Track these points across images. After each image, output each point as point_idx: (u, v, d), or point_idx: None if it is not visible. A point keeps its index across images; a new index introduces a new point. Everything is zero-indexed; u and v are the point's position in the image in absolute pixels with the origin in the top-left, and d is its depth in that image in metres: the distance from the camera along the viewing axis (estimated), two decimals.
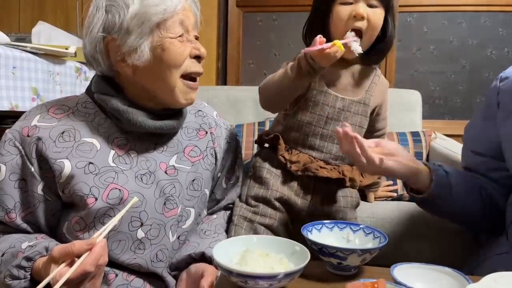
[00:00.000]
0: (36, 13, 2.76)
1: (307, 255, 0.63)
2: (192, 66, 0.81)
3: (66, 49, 1.39)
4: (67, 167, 0.74)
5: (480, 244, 1.00)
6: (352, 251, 0.65)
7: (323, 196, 0.99)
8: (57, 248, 0.63)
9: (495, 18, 2.57)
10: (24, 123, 0.78)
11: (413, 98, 2.20)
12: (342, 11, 0.89)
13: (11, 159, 0.76)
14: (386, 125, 1.07)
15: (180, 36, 0.78)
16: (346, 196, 1.01)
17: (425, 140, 2.03)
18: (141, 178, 0.79)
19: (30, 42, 1.54)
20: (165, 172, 0.83)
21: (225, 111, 2.10)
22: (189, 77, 0.82)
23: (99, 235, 0.64)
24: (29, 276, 0.67)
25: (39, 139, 0.75)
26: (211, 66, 2.62)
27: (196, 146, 0.90)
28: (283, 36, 2.63)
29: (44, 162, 0.75)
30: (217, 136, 0.94)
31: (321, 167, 0.95)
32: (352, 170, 0.98)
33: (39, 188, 0.76)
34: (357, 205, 1.05)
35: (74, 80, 1.48)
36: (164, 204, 0.80)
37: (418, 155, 2.00)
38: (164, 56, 0.77)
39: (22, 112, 1.16)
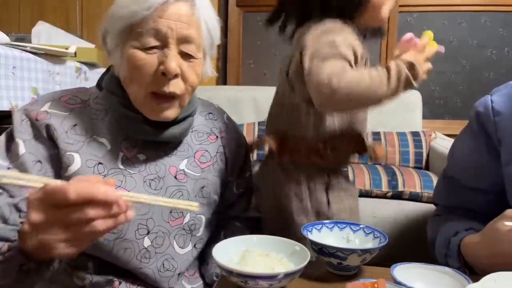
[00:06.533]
0: (36, 13, 2.76)
1: (307, 255, 0.63)
2: (159, 84, 0.70)
3: (66, 49, 1.39)
4: (77, 162, 0.70)
5: None
6: (352, 251, 0.65)
7: None
8: (75, 186, 0.46)
9: (495, 18, 2.57)
10: (32, 107, 0.72)
11: (413, 98, 2.21)
12: None
13: (29, 137, 0.70)
14: None
15: (148, 48, 0.68)
16: None
17: (425, 140, 2.04)
18: (150, 184, 0.76)
19: (30, 42, 1.54)
20: (175, 177, 0.79)
21: (225, 111, 2.10)
22: (161, 95, 0.71)
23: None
24: (16, 236, 0.51)
25: (49, 125, 0.71)
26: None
27: (207, 151, 0.85)
28: None
29: (53, 149, 0.71)
30: (227, 140, 0.90)
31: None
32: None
33: (50, 176, 0.71)
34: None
35: (74, 80, 1.48)
36: (170, 212, 0.78)
37: (418, 155, 2.00)
38: (126, 66, 0.70)
39: None
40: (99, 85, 0.81)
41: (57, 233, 0.47)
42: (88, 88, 0.82)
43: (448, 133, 2.22)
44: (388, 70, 0.74)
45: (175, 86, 0.71)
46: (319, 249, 0.68)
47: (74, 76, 1.46)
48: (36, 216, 0.46)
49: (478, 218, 0.79)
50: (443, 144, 1.91)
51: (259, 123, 2.17)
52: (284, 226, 0.92)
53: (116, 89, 0.75)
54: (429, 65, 0.77)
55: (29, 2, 2.78)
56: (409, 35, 0.78)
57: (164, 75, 0.69)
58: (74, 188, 0.45)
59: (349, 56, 0.79)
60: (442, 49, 0.79)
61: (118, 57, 0.72)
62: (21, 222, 0.51)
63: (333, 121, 0.89)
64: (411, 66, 0.74)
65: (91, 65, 1.61)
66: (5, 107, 1.14)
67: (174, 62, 0.68)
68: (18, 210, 0.55)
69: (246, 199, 0.97)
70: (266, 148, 0.95)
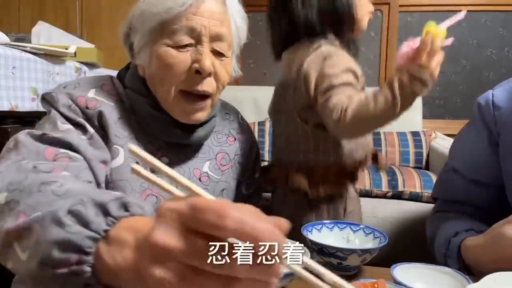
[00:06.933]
0: (36, 13, 2.76)
1: (307, 255, 0.63)
2: (192, 82, 0.68)
3: (66, 49, 1.38)
4: (121, 157, 0.67)
5: None
6: (352, 251, 0.65)
7: None
8: (239, 211, 0.27)
9: (495, 18, 2.57)
10: (76, 92, 0.67)
11: None
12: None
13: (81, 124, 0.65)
14: None
15: (181, 46, 0.67)
16: None
17: (425, 140, 2.04)
18: (176, 187, 0.74)
19: (30, 42, 1.54)
20: (199, 180, 0.78)
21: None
22: (193, 94, 0.69)
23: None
24: (92, 248, 0.38)
25: (101, 113, 0.66)
26: None
27: (226, 153, 0.84)
28: None
29: (104, 138, 0.67)
30: (242, 142, 0.89)
31: None
32: None
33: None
34: None
35: None
36: None
37: (418, 155, 2.00)
38: (157, 64, 0.68)
39: (22, 112, 1.17)
40: (120, 80, 0.77)
41: (176, 275, 0.29)
42: (113, 78, 0.77)
43: (448, 133, 2.22)
44: (391, 89, 0.71)
45: (208, 85, 0.69)
46: (319, 249, 0.68)
47: (74, 76, 1.46)
48: (162, 237, 0.29)
49: (479, 215, 0.80)
50: (443, 144, 1.91)
51: (259, 123, 2.17)
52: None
53: (142, 89, 0.72)
54: (439, 59, 0.69)
55: (29, 2, 2.78)
56: (404, 47, 0.71)
57: (198, 73, 0.67)
58: (238, 214, 0.27)
59: (350, 80, 0.81)
60: (449, 41, 0.71)
61: (147, 56, 0.69)
62: (105, 230, 0.39)
63: (349, 141, 0.90)
64: (413, 77, 0.69)
65: (91, 65, 1.60)
66: (5, 107, 1.14)
67: (208, 60, 0.67)
68: (106, 213, 0.40)
69: (255, 201, 0.96)
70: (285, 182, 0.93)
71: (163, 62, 0.67)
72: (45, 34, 1.69)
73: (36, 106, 1.19)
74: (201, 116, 0.72)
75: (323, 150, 0.90)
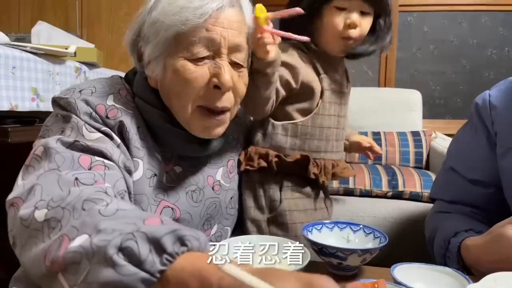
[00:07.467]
0: (36, 13, 2.76)
1: (307, 255, 0.63)
2: (211, 98, 0.64)
3: (66, 49, 1.38)
4: (140, 170, 0.65)
5: None
6: (352, 251, 0.65)
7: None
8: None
9: (496, 18, 2.57)
10: (95, 100, 0.63)
11: (414, 98, 2.21)
12: (336, 17, 0.84)
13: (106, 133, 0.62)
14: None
15: (200, 58, 0.63)
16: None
17: (426, 139, 2.04)
18: (192, 196, 0.72)
19: (29, 42, 1.54)
20: (212, 188, 0.76)
21: None
22: (211, 109, 0.66)
23: None
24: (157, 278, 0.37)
25: (122, 123, 0.63)
26: None
27: (235, 159, 0.83)
28: None
29: (127, 151, 0.64)
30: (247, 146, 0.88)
31: (344, 168, 0.94)
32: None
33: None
34: None
35: (74, 80, 1.48)
36: (203, 224, 0.75)
37: (418, 154, 2.00)
38: (173, 78, 0.64)
39: (22, 112, 1.17)
40: (128, 82, 0.73)
41: None
42: (124, 81, 0.73)
43: (448, 133, 2.21)
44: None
45: (227, 100, 0.66)
46: (319, 249, 0.68)
47: (74, 76, 1.46)
48: None
49: (478, 216, 0.80)
50: (444, 144, 1.91)
51: None
52: (241, 222, 0.90)
53: (154, 101, 0.68)
54: (262, 41, 0.69)
55: (29, 2, 2.78)
56: None
57: (217, 88, 0.64)
58: None
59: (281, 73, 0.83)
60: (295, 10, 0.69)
61: (160, 68, 0.65)
62: (161, 271, 0.37)
63: (286, 135, 0.88)
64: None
65: (91, 65, 1.60)
66: (5, 107, 1.14)
67: (228, 74, 0.63)
68: (160, 250, 0.37)
69: None
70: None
71: (181, 77, 0.63)
72: (45, 34, 1.69)
73: (36, 106, 1.19)
74: (220, 130, 0.69)
75: (268, 135, 0.88)
